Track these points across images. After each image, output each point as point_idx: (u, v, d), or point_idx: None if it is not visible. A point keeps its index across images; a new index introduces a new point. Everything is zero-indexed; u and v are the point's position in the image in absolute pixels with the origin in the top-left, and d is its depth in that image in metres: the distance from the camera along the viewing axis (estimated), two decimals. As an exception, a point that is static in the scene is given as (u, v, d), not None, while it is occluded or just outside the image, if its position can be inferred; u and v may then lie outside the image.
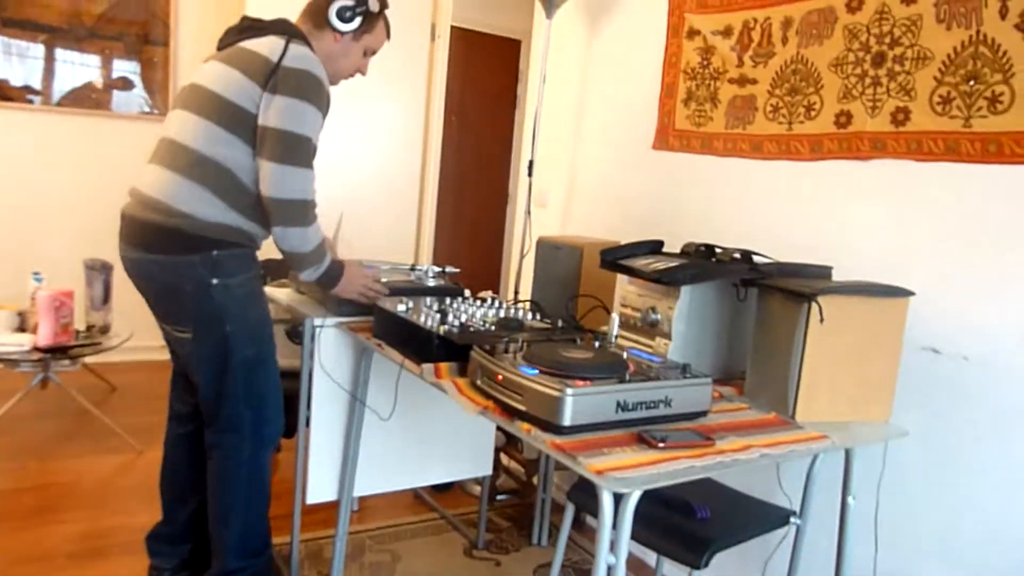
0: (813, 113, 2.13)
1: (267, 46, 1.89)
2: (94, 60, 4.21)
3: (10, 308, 3.16)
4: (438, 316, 1.85)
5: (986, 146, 1.75)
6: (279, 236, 1.92)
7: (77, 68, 4.18)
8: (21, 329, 3.14)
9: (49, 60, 4.10)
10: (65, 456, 3.09)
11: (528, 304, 2.16)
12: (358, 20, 2.01)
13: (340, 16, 1.99)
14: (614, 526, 1.30)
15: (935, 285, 1.83)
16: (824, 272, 1.90)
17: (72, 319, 3.11)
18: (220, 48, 2.00)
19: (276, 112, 1.84)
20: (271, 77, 1.85)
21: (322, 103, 1.91)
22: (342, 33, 2.01)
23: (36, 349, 2.98)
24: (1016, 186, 1.69)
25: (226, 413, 2.01)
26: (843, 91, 2.05)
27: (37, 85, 4.10)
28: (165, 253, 1.89)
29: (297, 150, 1.86)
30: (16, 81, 4.04)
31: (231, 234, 1.91)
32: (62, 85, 4.16)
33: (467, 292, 2.27)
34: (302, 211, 1.90)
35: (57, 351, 3.03)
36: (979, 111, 1.76)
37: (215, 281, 1.89)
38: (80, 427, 3.38)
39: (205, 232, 1.87)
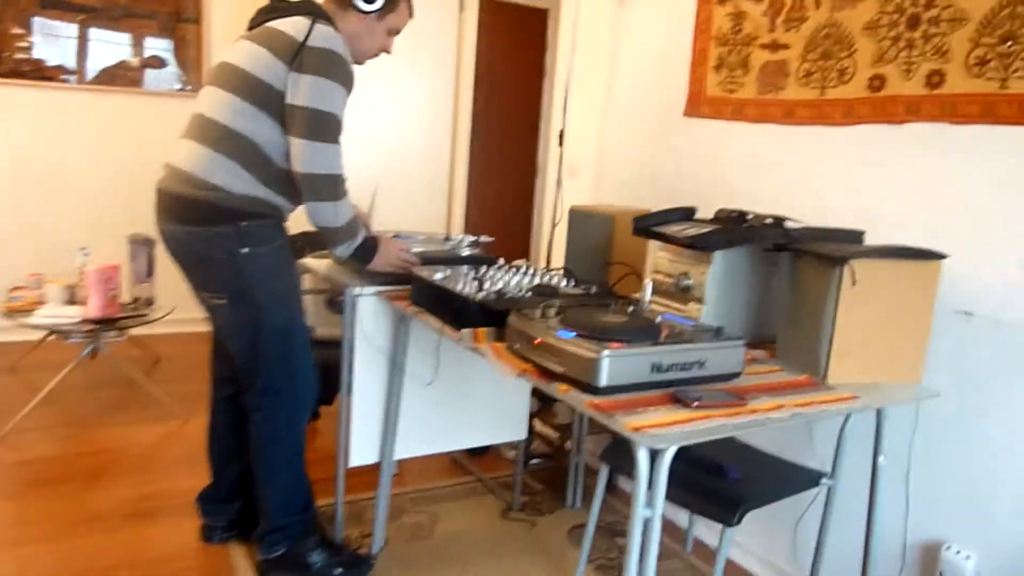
0: (846, 77, 2.13)
1: (293, 26, 1.95)
2: (126, 39, 4.28)
3: (60, 282, 3.27)
4: (475, 283, 1.90)
5: (1023, 107, 1.74)
6: (311, 211, 1.98)
7: (111, 47, 4.26)
8: (71, 302, 3.25)
9: (83, 39, 4.18)
10: (115, 424, 3.21)
11: (562, 271, 2.20)
12: (381, 1, 2.05)
13: None
14: (650, 483, 1.35)
15: (969, 248, 1.84)
16: (856, 236, 1.91)
17: (119, 292, 3.21)
18: (250, 28, 2.06)
19: (302, 90, 1.91)
20: (297, 56, 1.91)
21: (346, 80, 1.97)
22: (365, 13, 2.05)
23: (86, 321, 3.09)
24: (1052, 147, 1.69)
25: (263, 378, 2.09)
26: (877, 55, 2.04)
27: (71, 64, 4.18)
28: (198, 224, 1.97)
29: (324, 127, 1.93)
30: (52, 61, 4.13)
31: (259, 205, 1.99)
32: (96, 64, 4.24)
33: (501, 260, 2.32)
34: (331, 185, 1.96)
35: (105, 323, 3.14)
36: (1016, 72, 1.75)
37: (245, 250, 1.97)
38: (128, 396, 3.51)
39: (235, 204, 1.95)
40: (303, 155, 1.92)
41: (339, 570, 2.20)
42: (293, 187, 2.00)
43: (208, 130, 1.97)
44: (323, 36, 1.93)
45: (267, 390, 2.10)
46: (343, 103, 1.97)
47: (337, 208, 1.99)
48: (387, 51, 2.18)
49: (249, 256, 1.98)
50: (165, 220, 2.04)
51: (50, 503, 2.53)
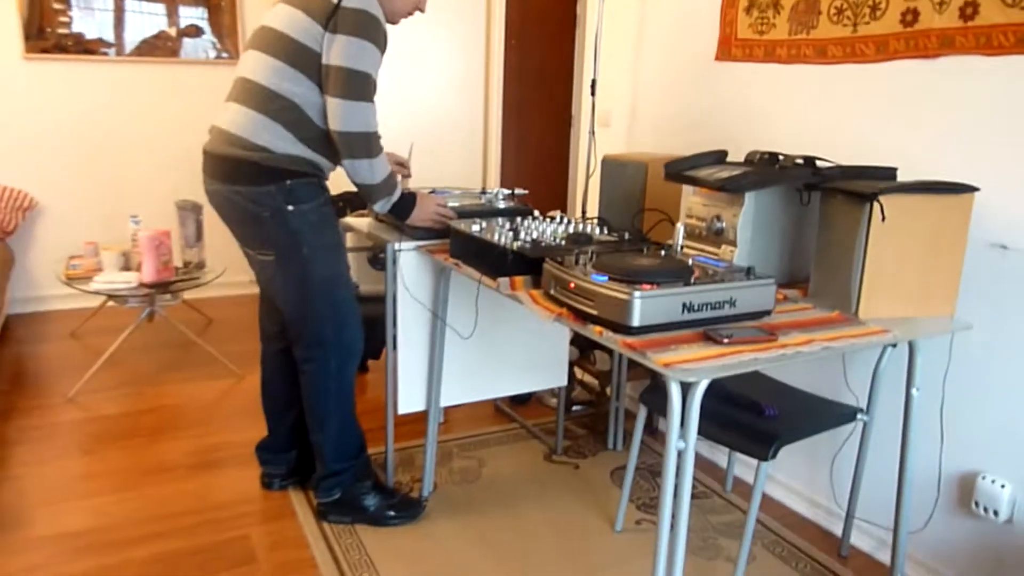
0: (878, 13, 2.10)
1: None
2: (161, 8, 4.35)
3: (115, 249, 3.42)
4: (510, 234, 1.96)
5: (1058, 35, 1.72)
6: (349, 169, 2.06)
7: (146, 17, 4.34)
8: (126, 268, 3.40)
9: (119, 11, 4.27)
10: (174, 381, 3.37)
11: (596, 220, 2.25)
12: None
13: None
14: (683, 417, 1.41)
15: (1005, 181, 1.83)
16: (888, 173, 1.91)
17: (171, 257, 3.34)
18: None
19: (337, 50, 1.96)
20: (332, 18, 1.96)
21: (379, 40, 2.01)
22: None
23: (142, 285, 3.23)
24: (1088, 75, 1.67)
25: (312, 330, 2.19)
26: (909, -12, 2.01)
27: (109, 37, 4.28)
28: (245, 184, 2.06)
29: (358, 85, 1.98)
30: (90, 34, 4.23)
31: (302, 164, 2.06)
32: (133, 36, 4.33)
33: (536, 212, 2.37)
34: (366, 142, 2.03)
35: (160, 286, 3.28)
36: (1051, -1, 1.72)
37: (291, 208, 2.06)
38: (185, 356, 3.67)
39: (279, 164, 2.03)
40: (339, 114, 1.99)
41: (391, 512, 2.32)
42: (333, 147, 2.07)
43: (251, 93, 2.05)
44: None
45: (316, 342, 2.20)
46: (377, 62, 2.02)
47: (373, 165, 2.06)
48: (420, 9, 2.22)
49: (295, 213, 2.07)
50: (212, 180, 2.12)
51: (119, 456, 2.70)
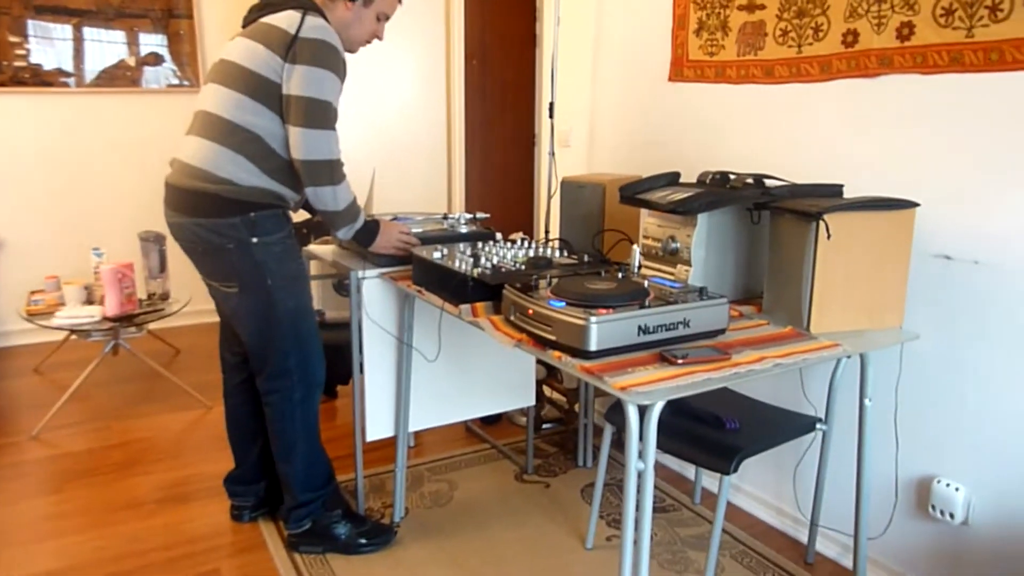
0: (821, 34, 2.18)
1: (285, 20, 2.02)
2: (121, 37, 4.34)
3: (77, 283, 3.39)
4: (471, 260, 1.99)
5: (988, 55, 1.79)
6: (312, 196, 2.08)
7: (106, 47, 4.32)
8: (89, 302, 3.37)
9: (78, 41, 4.25)
10: (142, 415, 3.34)
11: (557, 242, 2.28)
12: None
13: None
14: (641, 437, 1.45)
15: (946, 194, 1.90)
16: (835, 191, 1.98)
17: (134, 289, 3.32)
18: (244, 25, 2.14)
19: (297, 80, 1.99)
20: (290, 48, 1.99)
21: (339, 68, 2.05)
22: (353, 1, 2.12)
23: (106, 319, 3.21)
24: (1017, 92, 1.74)
25: (275, 361, 2.20)
26: (849, 10, 2.09)
27: (68, 67, 4.26)
28: (208, 216, 2.07)
29: (319, 114, 2.01)
30: (48, 65, 4.21)
31: (266, 196, 2.08)
32: (93, 65, 4.31)
33: (498, 235, 2.40)
34: (329, 170, 2.05)
35: (124, 319, 3.26)
36: (980, 21, 1.80)
37: (255, 240, 2.08)
38: (152, 388, 3.64)
39: (243, 196, 2.04)
40: (301, 142, 2.01)
41: (363, 540, 2.32)
42: (297, 177, 2.09)
43: (213, 126, 2.06)
44: (315, 27, 2.01)
45: (280, 372, 2.21)
46: (337, 91, 2.05)
47: (336, 192, 2.08)
48: (378, 37, 2.25)
49: (259, 245, 2.08)
50: (174, 213, 2.13)
51: (86, 494, 2.67)
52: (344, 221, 2.14)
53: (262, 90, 2.02)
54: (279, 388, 2.22)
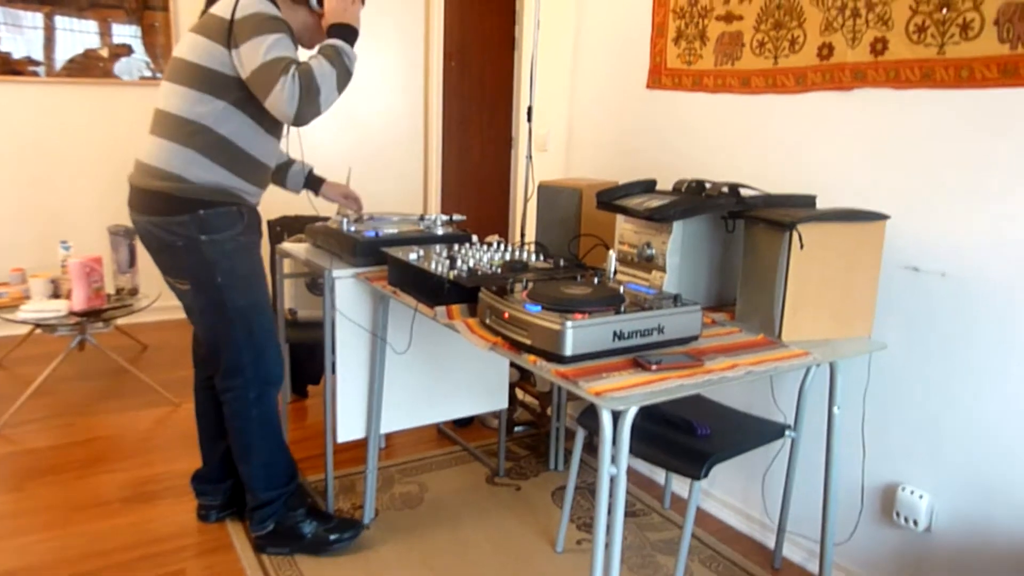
0: (797, 47, 2.21)
1: (222, 7, 2.01)
2: (93, 26, 4.27)
3: (43, 276, 3.32)
4: (447, 262, 1.99)
5: (959, 72, 1.83)
6: (276, 107, 1.91)
7: (77, 36, 4.25)
8: (55, 295, 3.31)
9: (49, 30, 4.17)
10: (108, 411, 3.29)
11: (533, 246, 2.29)
12: None
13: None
14: (614, 442, 1.45)
15: (915, 207, 1.94)
16: (808, 201, 2.01)
17: (103, 284, 3.27)
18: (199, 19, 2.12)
19: (246, 60, 1.94)
20: (230, 35, 1.97)
21: (279, 28, 1.95)
22: (318, 7, 2.10)
23: (72, 314, 3.15)
24: (986, 109, 1.78)
25: (229, 359, 2.19)
26: (824, 24, 2.12)
27: (38, 55, 4.17)
28: (160, 214, 2.07)
29: (270, 74, 1.89)
30: (18, 53, 4.12)
31: (217, 193, 2.07)
32: (64, 54, 4.24)
33: (474, 238, 2.40)
34: (312, 103, 1.92)
35: (91, 314, 3.20)
36: (952, 38, 1.84)
37: (204, 237, 2.07)
38: (119, 384, 3.58)
39: (193, 194, 2.04)
40: (279, 108, 1.91)
41: (332, 536, 2.31)
42: (254, 170, 2.09)
43: (165, 123, 2.06)
44: (244, 6, 1.96)
45: (233, 371, 2.20)
46: (289, 44, 1.96)
47: (326, 97, 1.95)
48: None
49: (208, 243, 2.07)
50: (133, 212, 2.15)
51: (49, 492, 2.62)
52: (345, 75, 2.00)
53: (207, 81, 2.01)
54: (233, 387, 2.21)
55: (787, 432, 2.12)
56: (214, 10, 2.03)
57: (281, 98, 1.90)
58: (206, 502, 2.47)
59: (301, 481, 2.36)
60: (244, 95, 2.01)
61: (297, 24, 2.09)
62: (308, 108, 1.93)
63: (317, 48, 2.05)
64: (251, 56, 1.93)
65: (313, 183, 2.55)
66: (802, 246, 1.71)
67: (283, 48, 1.94)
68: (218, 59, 1.99)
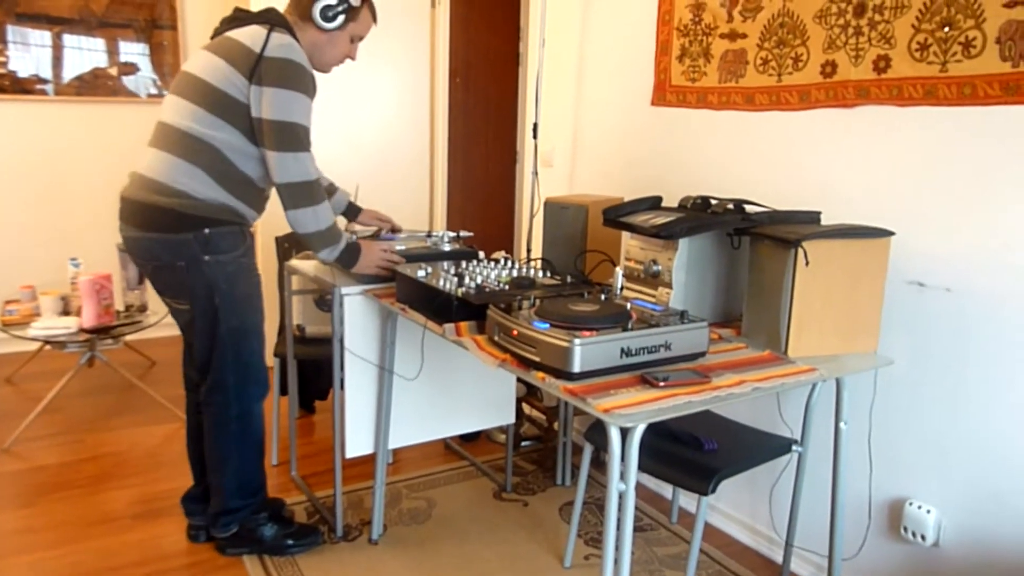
0: (800, 64, 2.23)
1: (249, 36, 2.02)
2: (101, 45, 4.32)
3: (53, 293, 3.35)
4: (455, 279, 2.01)
5: (961, 89, 1.85)
6: (292, 220, 2.08)
7: (85, 54, 4.30)
8: (65, 312, 3.34)
9: (57, 48, 4.22)
10: (117, 428, 3.31)
11: (539, 262, 2.31)
12: (341, 18, 2.12)
13: (324, 16, 2.10)
14: (623, 458, 1.47)
15: (919, 223, 1.95)
16: (813, 217, 2.02)
17: (112, 300, 3.29)
18: (212, 37, 2.14)
19: (266, 104, 1.99)
20: (255, 69, 1.99)
21: (307, 87, 2.04)
22: (327, 24, 2.12)
23: (82, 330, 3.18)
24: (989, 125, 1.80)
25: (214, 377, 2.22)
26: (828, 42, 2.14)
27: (46, 74, 4.22)
28: (161, 232, 2.07)
29: (290, 136, 2.01)
30: (25, 71, 4.16)
31: (222, 212, 2.08)
32: (72, 72, 4.29)
33: (481, 254, 2.42)
34: (307, 191, 2.06)
35: (101, 331, 3.22)
36: (954, 56, 1.86)
37: (207, 257, 2.08)
38: (127, 400, 3.60)
39: (197, 211, 2.04)
40: (276, 167, 2.02)
41: (290, 541, 2.36)
42: (255, 195, 2.12)
43: (171, 137, 2.06)
44: (280, 46, 2.00)
45: (218, 387, 2.23)
46: (307, 110, 2.05)
47: (316, 212, 2.08)
48: (351, 58, 2.26)
49: (210, 263, 2.09)
50: (128, 227, 2.14)
51: (59, 508, 2.63)
52: (325, 243, 2.15)
53: (221, 105, 2.02)
54: (216, 401, 2.24)
55: (794, 447, 2.13)
56: (237, 36, 2.03)
57: (287, 163, 2.01)
58: (196, 522, 2.46)
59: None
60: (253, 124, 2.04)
61: (308, 43, 2.12)
62: (297, 194, 2.04)
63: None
64: (276, 104, 1.98)
65: (351, 211, 2.60)
66: (807, 263, 1.73)
67: (303, 113, 2.03)
68: (236, 86, 2.00)
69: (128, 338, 3.72)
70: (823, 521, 2.17)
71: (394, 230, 2.57)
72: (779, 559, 2.38)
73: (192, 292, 2.13)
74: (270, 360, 2.56)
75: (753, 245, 1.90)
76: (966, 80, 1.84)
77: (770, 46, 2.31)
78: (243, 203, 2.12)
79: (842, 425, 1.97)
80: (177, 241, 2.06)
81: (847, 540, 2.17)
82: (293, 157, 2.02)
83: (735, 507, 2.58)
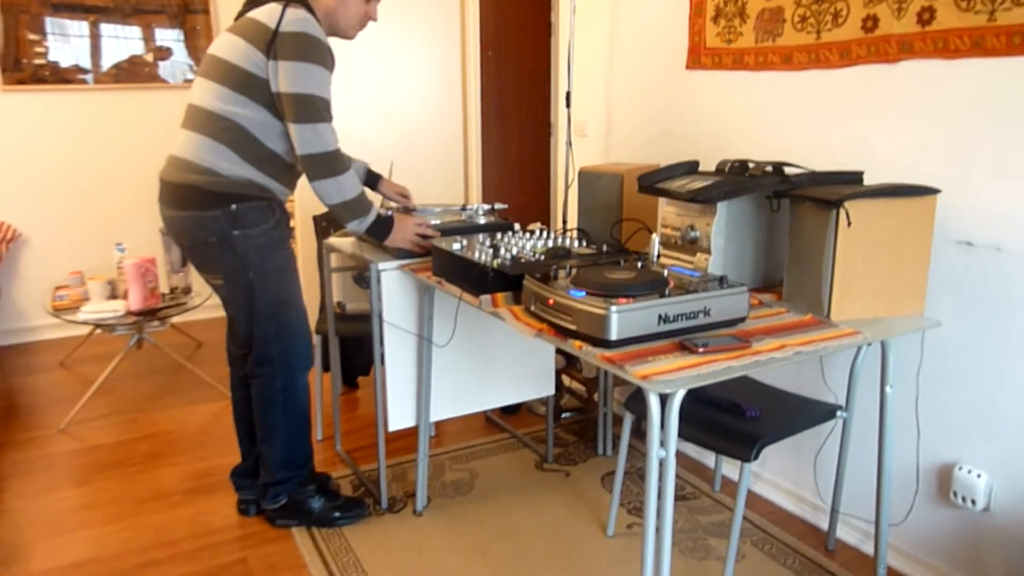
0: (840, 20, 2.16)
1: (266, 14, 2.05)
2: (137, 33, 4.38)
3: (101, 278, 3.44)
4: (491, 251, 2.00)
5: (1011, 39, 1.78)
6: (317, 191, 2.11)
7: (122, 42, 4.36)
8: (113, 296, 3.42)
9: (95, 38, 4.29)
10: (167, 407, 3.39)
11: (575, 232, 2.29)
12: None
13: None
14: (662, 425, 1.46)
15: (967, 180, 1.89)
16: (855, 178, 1.97)
17: (157, 283, 3.36)
18: (236, 19, 2.17)
19: (283, 77, 2.02)
20: (271, 44, 2.02)
21: (323, 59, 2.05)
22: None
23: (130, 313, 3.25)
24: (1040, 76, 1.73)
25: (258, 349, 2.26)
26: (868, -5, 2.07)
27: (86, 63, 4.29)
28: (192, 209, 2.12)
29: (307, 108, 2.03)
30: (66, 61, 4.25)
31: (249, 188, 2.12)
32: (110, 61, 4.35)
33: (516, 226, 2.41)
34: (328, 162, 2.08)
35: (148, 314, 3.30)
36: (1003, 4, 1.78)
37: (236, 232, 2.12)
38: (176, 380, 3.69)
39: (225, 188, 2.09)
40: (296, 138, 2.05)
41: (337, 513, 2.41)
42: (283, 170, 2.14)
43: (198, 117, 2.12)
44: (294, 20, 2.02)
45: (263, 360, 2.27)
46: (325, 81, 2.07)
47: (340, 183, 2.10)
48: (372, 18, 2.25)
49: (240, 238, 2.12)
50: (165, 207, 2.20)
51: (114, 486, 2.72)
52: (353, 214, 2.16)
53: (243, 82, 2.06)
54: (261, 374, 2.28)
55: (839, 413, 2.09)
56: (255, 15, 2.07)
57: (306, 134, 2.03)
58: (245, 496, 2.53)
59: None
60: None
61: (322, 9, 2.13)
62: (318, 165, 2.05)
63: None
64: (292, 77, 2.00)
65: (371, 179, 2.60)
66: (849, 223, 1.69)
67: (321, 85, 2.04)
68: (256, 63, 2.04)
69: (174, 320, 3.82)
70: (869, 487, 2.13)
71: (408, 209, 2.54)
72: (824, 526, 2.36)
73: (226, 267, 2.17)
74: (312, 337, 2.60)
75: (793, 207, 1.86)
76: (1016, 29, 1.76)
77: (808, 2, 2.24)
78: (270, 178, 2.15)
79: (888, 389, 1.92)
80: (207, 218, 2.10)
81: (894, 506, 2.13)
82: (312, 128, 2.04)
83: (779, 474, 2.55)
